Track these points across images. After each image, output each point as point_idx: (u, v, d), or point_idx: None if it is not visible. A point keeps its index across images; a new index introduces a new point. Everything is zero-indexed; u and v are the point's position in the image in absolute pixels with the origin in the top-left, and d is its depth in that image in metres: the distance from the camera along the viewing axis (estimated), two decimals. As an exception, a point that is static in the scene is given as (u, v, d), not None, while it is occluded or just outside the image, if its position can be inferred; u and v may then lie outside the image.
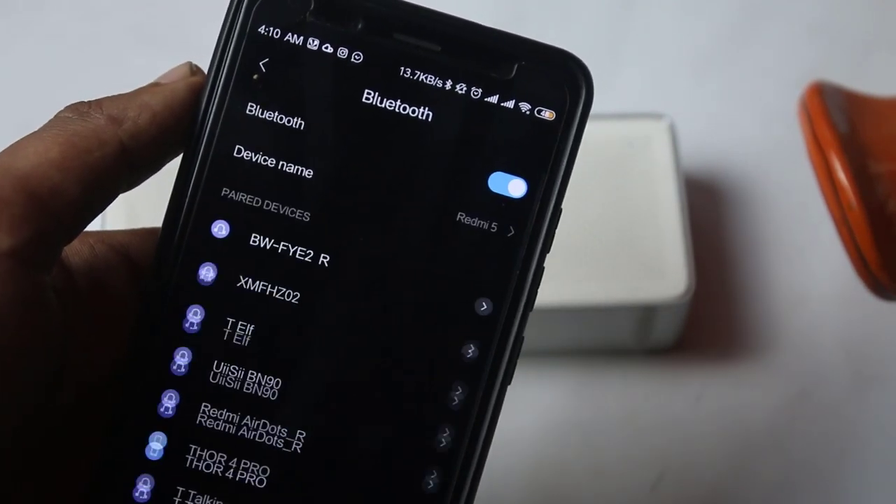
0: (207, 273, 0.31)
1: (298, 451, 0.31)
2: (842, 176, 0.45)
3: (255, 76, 0.31)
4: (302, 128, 0.31)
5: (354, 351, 0.31)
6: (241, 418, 0.31)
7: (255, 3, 0.31)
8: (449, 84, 0.32)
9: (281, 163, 0.31)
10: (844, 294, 0.53)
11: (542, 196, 0.32)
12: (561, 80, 0.32)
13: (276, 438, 0.31)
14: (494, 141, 0.32)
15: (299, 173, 0.31)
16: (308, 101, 0.31)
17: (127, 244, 0.33)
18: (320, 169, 0.31)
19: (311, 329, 0.31)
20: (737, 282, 0.53)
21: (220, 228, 0.31)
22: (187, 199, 0.31)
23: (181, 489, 0.31)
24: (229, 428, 0.31)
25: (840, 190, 0.45)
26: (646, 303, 0.48)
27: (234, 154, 0.31)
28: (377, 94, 0.32)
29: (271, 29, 0.31)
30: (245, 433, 0.31)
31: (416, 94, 0.31)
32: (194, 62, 0.33)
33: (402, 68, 0.32)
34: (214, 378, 0.31)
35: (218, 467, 0.31)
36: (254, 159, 0.31)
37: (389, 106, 0.32)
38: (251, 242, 0.31)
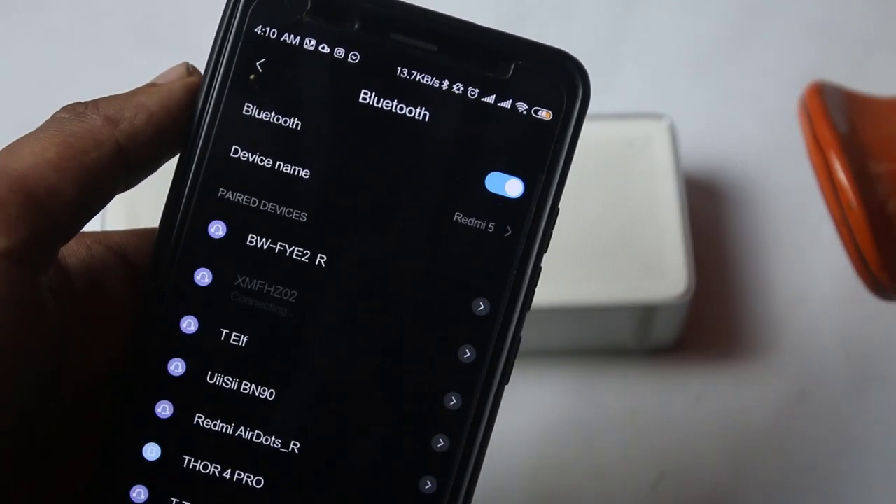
0: (204, 274, 0.31)
1: (296, 451, 0.31)
2: (842, 176, 0.45)
3: (251, 76, 0.31)
4: (299, 128, 0.31)
5: (351, 351, 0.31)
6: (239, 418, 0.31)
7: (251, 3, 0.31)
8: (446, 84, 0.32)
9: (278, 163, 0.31)
10: (844, 294, 0.53)
11: (539, 196, 0.32)
12: (558, 79, 0.32)
13: (273, 438, 0.31)
14: (491, 141, 0.31)
15: (296, 173, 0.31)
16: (305, 101, 0.31)
17: (124, 244, 0.33)
18: (317, 169, 0.31)
19: (307, 329, 0.31)
20: (737, 282, 0.53)
21: (217, 229, 0.31)
22: (184, 200, 0.31)
23: (181, 490, 0.31)
24: (227, 428, 0.31)
25: (840, 190, 0.45)
26: (646, 303, 0.48)
27: (231, 154, 0.31)
28: (374, 94, 0.31)
29: (268, 29, 0.31)
30: (243, 433, 0.31)
31: (412, 94, 0.31)
32: (193, 62, 0.33)
33: (399, 68, 0.31)
34: (212, 378, 0.31)
35: (216, 467, 0.31)
36: (250, 159, 0.31)
37: (386, 106, 0.31)
38: (248, 243, 0.31)
